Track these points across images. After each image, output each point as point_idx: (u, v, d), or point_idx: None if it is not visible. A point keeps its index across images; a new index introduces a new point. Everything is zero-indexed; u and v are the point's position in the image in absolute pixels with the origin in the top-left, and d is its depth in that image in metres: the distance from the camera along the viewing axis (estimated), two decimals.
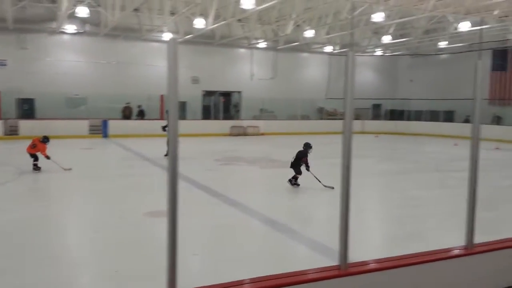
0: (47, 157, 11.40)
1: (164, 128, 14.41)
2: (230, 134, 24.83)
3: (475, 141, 4.24)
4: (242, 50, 27.96)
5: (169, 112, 2.81)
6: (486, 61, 26.22)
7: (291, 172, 10.17)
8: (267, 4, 17.53)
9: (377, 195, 10.42)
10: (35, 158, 11.48)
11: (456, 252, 4.36)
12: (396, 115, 30.09)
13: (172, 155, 2.94)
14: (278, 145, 20.59)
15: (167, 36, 23.92)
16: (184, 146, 15.77)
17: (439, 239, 5.96)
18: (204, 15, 20.90)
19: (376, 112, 30.88)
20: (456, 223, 4.49)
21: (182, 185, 10.33)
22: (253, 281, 3.68)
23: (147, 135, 20.27)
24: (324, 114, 29.24)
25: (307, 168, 9.91)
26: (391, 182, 12.11)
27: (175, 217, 2.99)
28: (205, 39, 25.13)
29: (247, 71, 27.98)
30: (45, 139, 11.64)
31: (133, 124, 23.26)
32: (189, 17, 21.53)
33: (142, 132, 21.72)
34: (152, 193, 9.30)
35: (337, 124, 26.54)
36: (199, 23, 20.71)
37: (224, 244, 6.32)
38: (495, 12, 19.16)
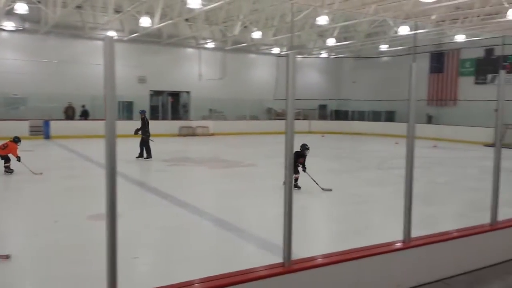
0: (18, 159, 10.94)
1: (137, 131, 14.51)
2: (179, 135, 24.55)
3: (410, 140, 4.46)
4: (190, 50, 27.73)
5: (106, 112, 2.75)
6: (424, 64, 27.63)
7: (243, 172, 10.21)
8: (214, 5, 17.52)
9: (322, 193, 10.66)
10: (6, 160, 10.98)
11: (394, 246, 4.57)
12: (341, 115, 30.98)
13: (109, 156, 2.87)
14: (227, 145, 20.62)
15: (111, 34, 23.27)
16: (132, 147, 15.49)
17: (381, 234, 6.19)
18: (150, 13, 20.55)
19: (322, 113, 31.63)
20: (397, 218, 4.70)
21: (130, 187, 10.22)
22: (202, 281, 3.70)
23: (92, 136, 19.61)
24: (272, 114, 29.57)
25: (304, 169, 9.85)
26: (336, 180, 12.42)
27: (114, 220, 2.95)
28: (152, 38, 24.69)
29: (196, 71, 27.79)
30: (16, 139, 11.20)
31: (77, 125, 22.44)
32: (134, 15, 21.08)
33: (86, 133, 20.98)
34: (97, 195, 8.94)
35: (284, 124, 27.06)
36: (145, 21, 20.35)
37: (173, 245, 6.27)
38: (433, 17, 20.18)
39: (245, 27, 23.48)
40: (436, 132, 23.47)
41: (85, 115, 23.71)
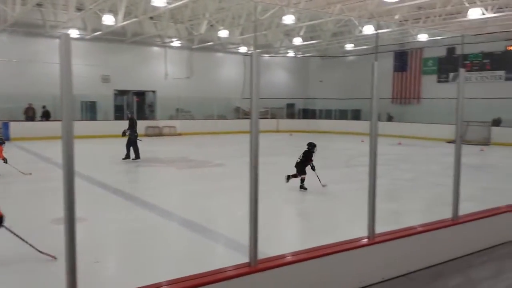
0: (4, 160, 10.79)
1: (124, 132, 14.37)
2: (146, 135, 24.13)
3: (373, 138, 4.52)
4: (156, 49, 27.32)
5: (63, 112, 2.64)
6: (388, 63, 28.24)
7: (211, 172, 10.13)
8: (179, 3, 17.33)
9: (290, 192, 10.70)
10: None
11: (359, 242, 4.62)
12: (308, 114, 31.28)
13: (66, 158, 2.77)
14: (195, 145, 20.45)
15: (73, 32, 22.68)
16: (96, 148, 15.15)
17: (348, 231, 6.25)
18: (113, 11, 20.12)
19: (290, 111, 31.84)
20: (363, 215, 4.75)
21: (95, 190, 9.96)
22: (169, 283, 3.65)
23: (54, 137, 19.01)
24: (240, 113, 29.55)
25: (313, 168, 9.90)
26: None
27: (72, 222, 2.85)
28: (115, 36, 24.19)
29: (162, 70, 27.41)
30: (0, 141, 11.14)
31: (38, 126, 21.72)
32: (97, 13, 20.59)
33: (47, 134, 20.33)
34: (60, 198, 8.75)
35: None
36: (108, 19, 19.90)
37: (139, 247, 6.15)
38: (396, 17, 20.63)
39: (211, 25, 23.33)
40: (401, 130, 24.04)
41: (46, 115, 23.00)
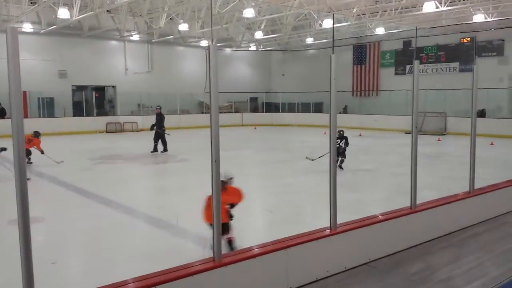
0: (42, 152, 12.02)
1: (152, 126, 15.24)
2: (106, 131, 23.63)
3: (333, 130, 4.58)
4: (114, 43, 26.62)
5: (12, 109, 2.53)
6: (348, 56, 28.72)
7: (176, 167, 10.00)
8: None
9: (255, 184, 10.75)
10: (28, 152, 11.71)
11: (321, 233, 4.69)
12: (271, 107, 31.41)
13: (17, 156, 2.65)
14: None
15: (27, 27, 21.81)
16: (55, 146, 14.65)
17: (314, 222, 6.34)
18: (68, 5, 19.47)
19: (254, 105, 31.89)
20: (327, 206, 4.82)
21: (54, 188, 9.65)
22: (135, 280, 3.61)
23: (9, 136, 18.30)
24: (204, 108, 29.33)
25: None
26: (268, 171, 12.62)
27: (26, 222, 2.74)
28: (72, 30, 23.42)
29: (121, 64, 26.76)
30: (37, 134, 12.34)
31: None
32: (52, 6, 19.87)
33: (3, 132, 19.49)
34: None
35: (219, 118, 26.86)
36: (63, 13, 19.23)
37: (102, 246, 6.03)
38: (354, 10, 20.97)
39: (171, 19, 22.98)
40: (361, 121, 24.55)
41: (1, 113, 22.07)
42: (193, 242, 6.27)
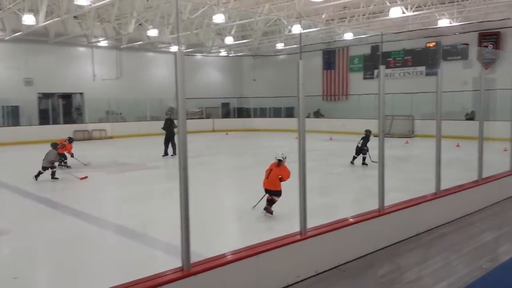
0: (72, 155, 13.29)
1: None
2: (74, 139, 23.04)
3: (302, 134, 4.60)
4: (82, 49, 26.08)
5: None
6: (318, 61, 29.04)
7: (145, 175, 9.82)
8: (104, 1, 16.68)
9: (226, 190, 10.71)
10: (64, 157, 13.04)
11: (291, 238, 4.69)
12: (243, 112, 31.41)
13: None
14: (127, 148, 19.86)
15: None
16: (20, 155, 14.24)
17: (287, 226, 6.35)
18: (34, 11, 18.98)
19: (225, 111, 31.82)
20: (298, 210, 4.82)
21: (18, 200, 9.34)
22: None
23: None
24: (175, 114, 29.02)
25: (367, 150, 12.69)
26: (240, 177, 12.58)
27: None
28: (37, 37, 22.85)
29: (89, 71, 26.23)
30: (71, 140, 13.88)
31: None
32: (16, 13, 19.32)
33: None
34: None
35: (188, 124, 26.62)
36: (28, 19, 18.73)
37: (69, 258, 5.87)
38: (323, 16, 21.24)
39: (139, 24, 22.70)
40: (331, 126, 24.83)
41: None
42: (163, 251, 6.16)
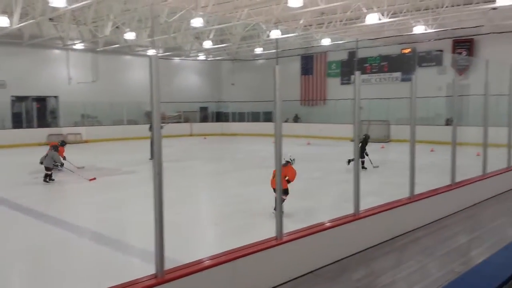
0: (64, 158, 13.05)
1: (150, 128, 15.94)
2: (48, 144, 22.58)
3: (278, 139, 4.60)
4: (57, 51, 25.63)
5: None
6: (296, 66, 29.24)
7: (121, 180, 9.68)
8: (81, 3, 16.43)
9: (204, 195, 10.65)
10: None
11: (267, 244, 4.67)
12: (221, 117, 31.36)
13: None
14: (103, 152, 19.56)
15: None
16: None
17: (262, 232, 6.34)
18: (8, 12, 18.57)
19: (203, 115, 31.69)
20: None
21: None
22: None
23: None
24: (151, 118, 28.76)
25: (367, 154, 13.46)
26: (218, 182, 12.53)
27: None
28: (11, 39, 22.35)
29: (64, 74, 25.78)
30: (63, 143, 13.85)
31: None
32: None
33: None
34: None
35: (166, 128, 26.27)
36: (2, 21, 18.31)
37: (43, 266, 5.73)
38: (301, 22, 21.39)
39: (116, 27, 22.44)
40: (309, 130, 25.01)
41: None
42: (139, 258, 6.07)
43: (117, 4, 19.39)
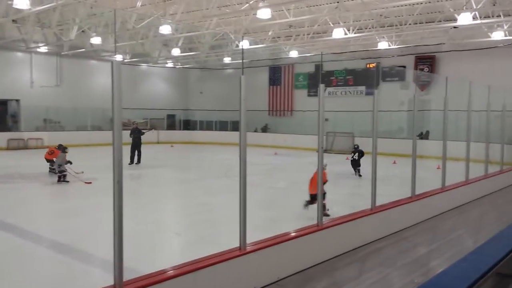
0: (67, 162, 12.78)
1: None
2: (8, 148, 21.86)
3: (243, 149, 4.60)
4: (19, 54, 24.82)
5: None
6: (265, 77, 29.44)
7: (83, 187, 9.40)
8: (45, 6, 16.03)
9: (169, 204, 10.50)
10: (52, 162, 13.47)
11: (230, 254, 4.64)
12: (189, 125, 31.14)
13: None
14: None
15: None
16: None
17: (227, 242, 6.29)
18: None
19: (171, 122, 31.37)
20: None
21: None
22: None
23: None
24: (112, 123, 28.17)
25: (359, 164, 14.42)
26: (184, 190, 12.39)
27: None
28: None
29: (26, 77, 24.99)
30: (62, 147, 13.29)
31: None
32: None
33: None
34: None
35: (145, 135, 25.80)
36: None
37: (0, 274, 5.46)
38: (269, 33, 21.60)
39: (82, 31, 21.99)
40: (277, 140, 25.16)
41: None
42: (99, 268, 5.91)
43: (83, 7, 19.02)
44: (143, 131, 17.59)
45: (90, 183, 12.07)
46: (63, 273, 5.67)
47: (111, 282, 3.78)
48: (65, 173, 12.39)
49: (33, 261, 6.16)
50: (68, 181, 12.37)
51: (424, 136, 21.95)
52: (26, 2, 15.24)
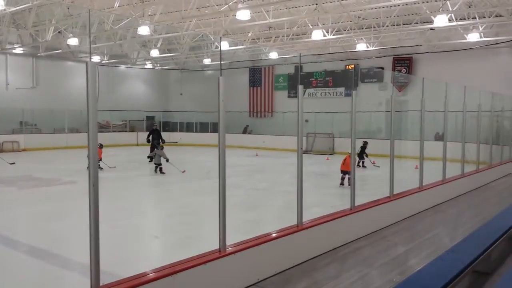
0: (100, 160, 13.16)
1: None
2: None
3: (221, 150, 4.58)
4: None
5: None
6: (245, 78, 29.44)
7: (61, 191, 9.23)
8: (20, 7, 15.72)
9: (147, 206, 10.39)
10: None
11: (209, 256, 4.60)
12: (169, 127, 30.88)
13: None
14: (41, 162, 18.69)
15: None
16: None
17: (206, 244, 6.24)
18: None
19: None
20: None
21: None
22: None
23: None
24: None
25: (366, 155, 16.26)
26: (165, 192, 12.29)
27: None
28: None
29: (2, 78, 24.45)
30: (100, 145, 13.57)
31: None
32: None
33: None
34: None
35: (111, 137, 25.46)
36: None
37: None
38: (249, 34, 21.61)
39: (59, 32, 21.62)
40: (258, 142, 25.17)
41: None
42: (76, 272, 5.79)
43: (60, 8, 18.71)
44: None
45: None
46: (39, 278, 5.55)
47: (88, 286, 3.71)
48: (161, 166, 14.76)
49: (7, 265, 6.03)
50: (164, 173, 14.60)
51: (439, 137, 22.17)
52: (1, 3, 14.93)
